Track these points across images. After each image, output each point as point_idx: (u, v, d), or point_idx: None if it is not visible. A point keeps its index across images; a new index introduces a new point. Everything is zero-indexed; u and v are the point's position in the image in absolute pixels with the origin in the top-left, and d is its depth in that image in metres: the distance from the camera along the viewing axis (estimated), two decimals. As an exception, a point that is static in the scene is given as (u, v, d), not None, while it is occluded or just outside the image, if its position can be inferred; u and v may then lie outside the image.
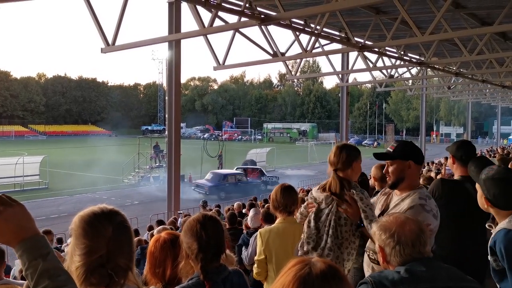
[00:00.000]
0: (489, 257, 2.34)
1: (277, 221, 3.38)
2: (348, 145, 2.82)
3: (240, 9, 8.68)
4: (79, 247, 1.53)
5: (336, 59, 38.85)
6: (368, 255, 2.74)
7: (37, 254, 1.21)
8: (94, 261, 1.49)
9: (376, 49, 13.05)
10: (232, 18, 9.88)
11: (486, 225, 2.61)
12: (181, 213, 11.97)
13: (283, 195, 3.27)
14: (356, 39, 11.79)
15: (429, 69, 20.51)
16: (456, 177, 3.42)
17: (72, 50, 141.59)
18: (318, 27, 10.86)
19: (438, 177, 5.47)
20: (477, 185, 2.45)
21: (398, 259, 1.77)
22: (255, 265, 3.35)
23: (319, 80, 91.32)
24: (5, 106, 74.83)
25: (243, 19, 8.99)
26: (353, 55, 17.22)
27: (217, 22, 9.04)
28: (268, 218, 4.71)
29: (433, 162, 20.09)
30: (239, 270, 2.21)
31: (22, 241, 1.22)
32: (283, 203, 3.27)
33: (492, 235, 2.35)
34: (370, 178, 4.75)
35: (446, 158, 4.05)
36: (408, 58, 15.97)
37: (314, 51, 12.72)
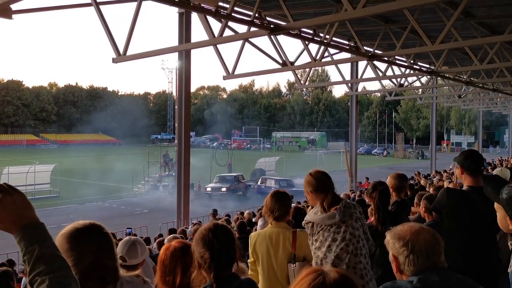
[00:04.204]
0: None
1: (268, 225, 3.40)
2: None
3: (249, 19, 8.73)
4: (68, 261, 1.63)
5: (345, 68, 38.77)
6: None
7: (34, 241, 1.24)
8: (85, 268, 1.65)
9: (386, 58, 13.04)
10: (241, 28, 9.96)
11: (509, 244, 2.45)
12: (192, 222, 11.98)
13: (273, 200, 3.30)
14: (365, 48, 11.80)
15: (439, 78, 20.46)
16: (464, 187, 3.40)
17: (84, 59, 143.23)
18: (327, 37, 10.90)
19: (449, 186, 5.42)
20: (496, 206, 2.27)
21: (412, 268, 1.74)
22: (249, 268, 3.37)
23: (328, 89, 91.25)
24: (17, 115, 75.79)
25: (252, 29, 9.06)
26: (362, 64, 17.19)
27: (227, 32, 9.10)
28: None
29: (445, 171, 19.90)
30: (251, 279, 2.21)
31: (21, 228, 1.26)
32: (273, 208, 3.28)
33: None
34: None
35: (458, 168, 3.96)
36: (418, 67, 15.92)
37: (323, 60, 12.77)
